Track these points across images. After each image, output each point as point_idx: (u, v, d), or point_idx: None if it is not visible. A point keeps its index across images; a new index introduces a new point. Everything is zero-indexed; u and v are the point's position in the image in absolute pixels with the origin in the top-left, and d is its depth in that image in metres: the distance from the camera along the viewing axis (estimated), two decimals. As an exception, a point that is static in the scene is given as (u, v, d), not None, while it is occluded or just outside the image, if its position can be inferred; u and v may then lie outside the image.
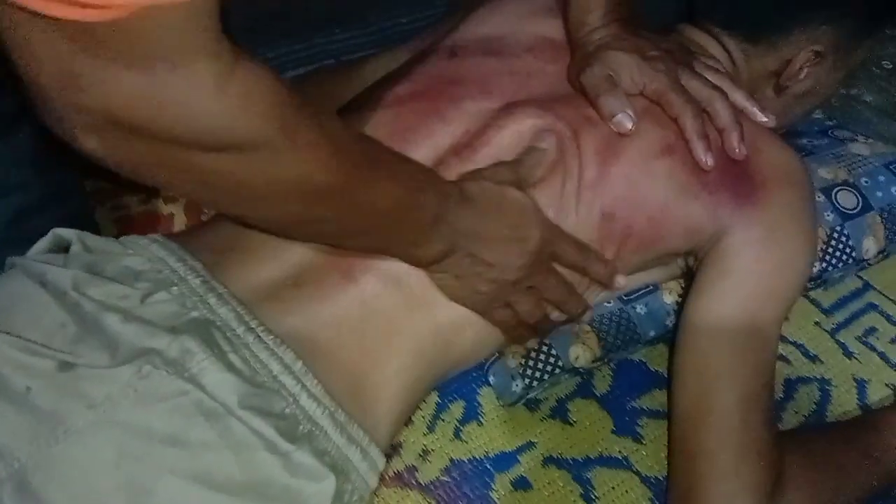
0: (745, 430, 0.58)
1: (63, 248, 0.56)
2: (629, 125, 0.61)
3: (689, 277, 0.67)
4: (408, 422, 0.66)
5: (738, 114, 0.65)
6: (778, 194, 0.63)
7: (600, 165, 0.61)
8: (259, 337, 0.51)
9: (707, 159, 0.61)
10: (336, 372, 0.53)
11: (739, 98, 0.66)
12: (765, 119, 0.66)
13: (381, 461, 0.53)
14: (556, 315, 0.62)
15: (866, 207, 0.76)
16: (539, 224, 0.58)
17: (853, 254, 0.76)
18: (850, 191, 0.77)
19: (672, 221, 0.62)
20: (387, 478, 0.63)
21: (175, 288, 0.52)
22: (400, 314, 0.57)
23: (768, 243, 0.62)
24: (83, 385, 0.47)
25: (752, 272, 0.62)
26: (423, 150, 0.60)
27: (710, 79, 0.66)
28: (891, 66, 1.09)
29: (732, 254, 0.62)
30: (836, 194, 0.76)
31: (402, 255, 0.55)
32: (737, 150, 0.63)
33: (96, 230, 0.64)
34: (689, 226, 0.63)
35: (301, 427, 0.49)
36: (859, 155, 0.81)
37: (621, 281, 0.62)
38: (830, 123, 0.87)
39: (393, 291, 0.57)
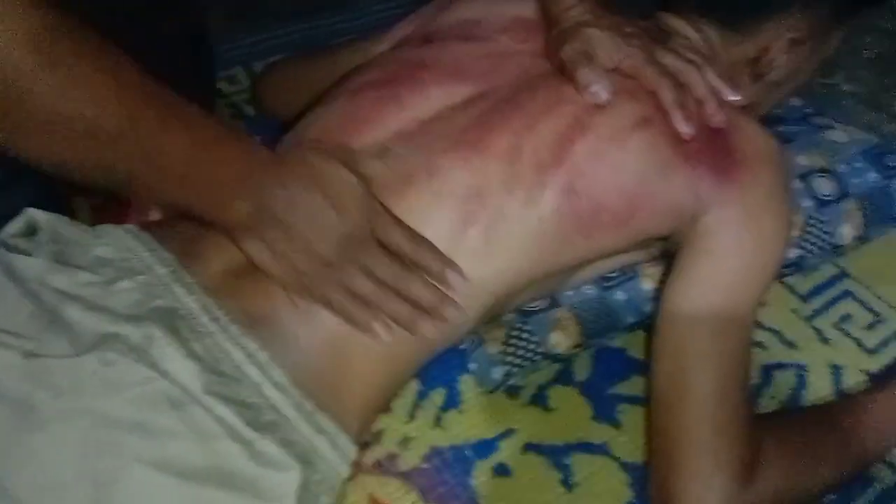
0: (721, 409, 0.59)
1: (35, 230, 0.55)
2: (604, 95, 0.60)
3: (669, 263, 0.68)
4: (388, 410, 0.66)
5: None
6: (757, 173, 0.62)
7: (559, 144, 0.60)
8: (223, 326, 0.51)
9: (686, 128, 0.61)
10: (303, 362, 0.53)
11: (710, 76, 0.65)
12: (735, 97, 0.65)
13: (351, 451, 0.53)
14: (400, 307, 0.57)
15: (843, 194, 0.77)
16: (361, 203, 0.55)
17: (830, 240, 0.77)
18: (828, 178, 0.78)
19: (650, 197, 0.61)
20: (367, 466, 0.63)
21: (141, 276, 0.52)
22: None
23: (747, 224, 0.62)
24: (49, 375, 0.47)
25: (730, 253, 0.62)
26: (370, 135, 0.60)
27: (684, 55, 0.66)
28: (870, 56, 1.11)
29: (710, 234, 0.62)
30: (813, 181, 0.77)
31: (207, 213, 0.53)
32: (715, 118, 0.62)
33: (71, 217, 0.64)
34: (668, 202, 0.62)
35: (265, 416, 0.49)
36: (837, 142, 0.81)
37: (455, 278, 0.57)
38: (809, 111, 0.87)
39: None
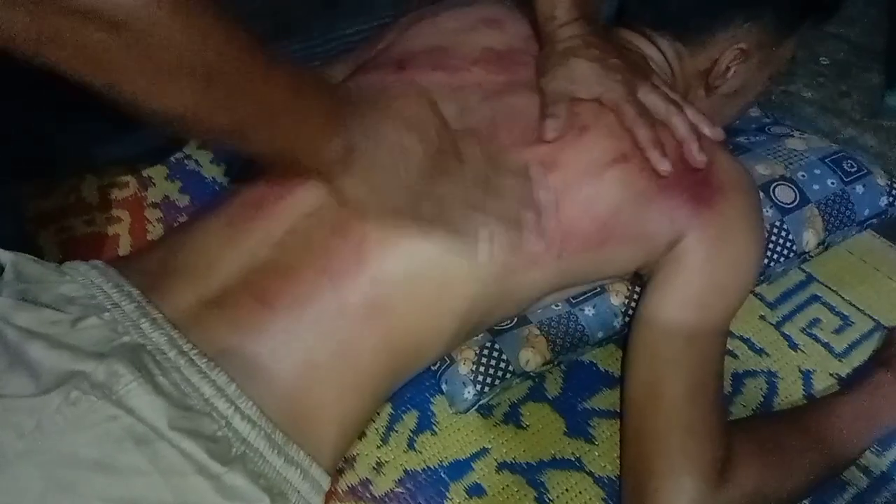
0: (693, 413, 0.60)
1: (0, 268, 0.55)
2: (551, 135, 0.62)
3: (640, 282, 0.68)
4: (361, 435, 0.66)
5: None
6: (732, 199, 0.64)
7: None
8: (191, 360, 0.50)
9: (663, 165, 0.62)
10: (273, 394, 0.52)
11: (691, 114, 0.67)
12: (716, 134, 0.67)
13: (325, 481, 0.53)
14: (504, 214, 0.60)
15: (804, 201, 0.78)
16: (437, 128, 0.58)
17: (794, 247, 0.78)
18: (788, 185, 0.79)
19: (624, 225, 0.63)
20: (340, 492, 0.63)
21: (107, 314, 0.51)
22: (318, 334, 0.55)
23: (720, 242, 0.63)
24: (11, 414, 0.46)
25: (704, 269, 0.63)
26: None
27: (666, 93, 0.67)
28: (828, 62, 1.13)
29: (687, 252, 0.63)
30: (774, 189, 0.78)
31: (303, 156, 0.54)
32: (697, 159, 0.64)
33: (39, 253, 0.63)
34: (643, 231, 0.63)
35: (234, 449, 0.49)
36: (795, 150, 0.82)
37: (539, 176, 0.61)
38: (767, 120, 0.88)
39: (305, 309, 0.55)
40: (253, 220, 0.58)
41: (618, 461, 0.66)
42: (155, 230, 0.82)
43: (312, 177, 0.57)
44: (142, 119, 0.46)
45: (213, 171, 0.88)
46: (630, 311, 0.71)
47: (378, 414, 0.68)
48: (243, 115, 0.48)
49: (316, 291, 0.55)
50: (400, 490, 0.64)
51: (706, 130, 0.66)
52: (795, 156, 0.81)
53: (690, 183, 0.64)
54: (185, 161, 0.89)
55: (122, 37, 0.41)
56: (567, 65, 0.65)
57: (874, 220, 0.82)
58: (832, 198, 0.79)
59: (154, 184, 0.86)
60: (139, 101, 0.44)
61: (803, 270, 0.83)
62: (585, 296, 0.72)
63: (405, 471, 0.65)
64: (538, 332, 0.70)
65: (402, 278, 0.57)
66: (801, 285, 0.82)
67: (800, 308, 0.80)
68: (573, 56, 0.66)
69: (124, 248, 0.79)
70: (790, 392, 0.73)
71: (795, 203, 0.78)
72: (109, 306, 0.52)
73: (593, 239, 0.63)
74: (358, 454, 0.65)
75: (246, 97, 0.47)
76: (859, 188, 0.80)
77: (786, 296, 0.81)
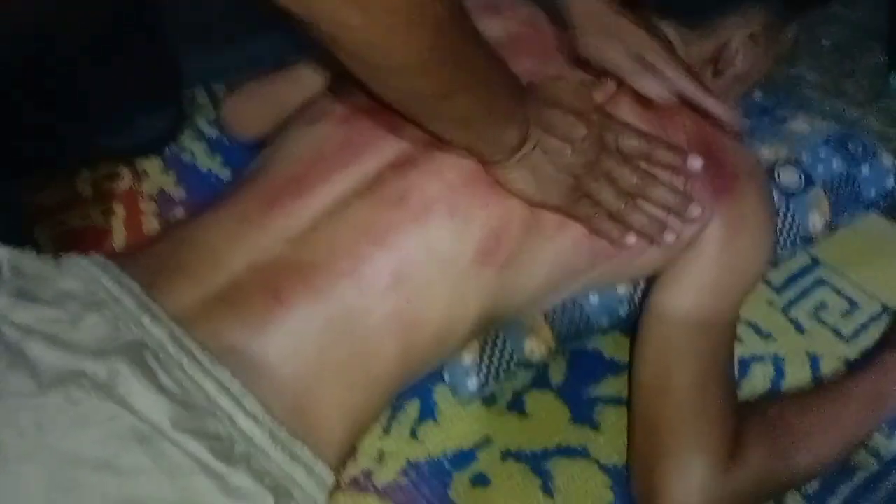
0: (704, 397, 0.60)
1: None
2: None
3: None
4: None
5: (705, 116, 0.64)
6: (748, 185, 0.64)
7: None
8: (194, 356, 0.49)
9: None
10: (278, 392, 0.51)
11: (710, 104, 0.64)
12: (733, 121, 0.64)
13: (329, 478, 0.52)
14: (655, 204, 0.60)
15: (809, 183, 0.77)
16: (597, 107, 0.58)
17: (800, 231, 0.77)
18: (793, 168, 0.78)
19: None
20: (343, 484, 0.62)
21: (108, 310, 0.50)
22: (333, 334, 0.54)
23: (738, 229, 0.63)
24: (12, 414, 0.45)
25: (721, 256, 0.63)
26: (366, 164, 0.59)
27: (673, 80, 0.63)
28: (830, 44, 1.11)
29: (704, 241, 0.63)
30: (778, 172, 0.77)
31: (482, 144, 0.55)
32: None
33: (35, 246, 0.63)
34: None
35: (238, 448, 0.48)
36: (799, 132, 0.81)
37: (695, 163, 0.59)
38: (770, 103, 0.87)
39: (322, 309, 0.54)
40: (266, 216, 0.57)
41: (624, 449, 0.65)
42: (150, 223, 0.80)
43: (482, 163, 0.57)
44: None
45: (208, 164, 0.87)
46: (635, 299, 0.70)
47: (381, 406, 0.67)
48: (455, 75, 0.48)
49: (336, 294, 0.54)
50: (403, 481, 0.63)
51: (724, 117, 0.64)
52: (800, 137, 0.80)
53: (709, 175, 0.63)
54: (181, 153, 0.88)
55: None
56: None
57: (880, 201, 0.81)
58: (838, 179, 0.78)
59: (149, 176, 0.85)
60: (369, 49, 0.44)
61: (809, 254, 0.82)
62: (590, 283, 0.71)
63: (408, 461, 0.64)
64: (543, 320, 0.69)
65: (437, 281, 0.56)
66: (808, 269, 0.81)
67: (806, 292, 0.79)
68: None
69: (119, 241, 0.79)
70: (798, 376, 0.72)
71: (801, 185, 0.77)
72: (110, 302, 0.51)
73: (623, 261, 0.63)
74: (359, 445, 0.64)
75: (461, 57, 0.48)
76: (865, 169, 0.79)
77: (792, 280, 0.80)
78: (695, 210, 0.60)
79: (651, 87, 0.62)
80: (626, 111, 0.62)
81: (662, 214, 0.59)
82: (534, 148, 0.56)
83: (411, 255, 0.56)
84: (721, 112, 0.64)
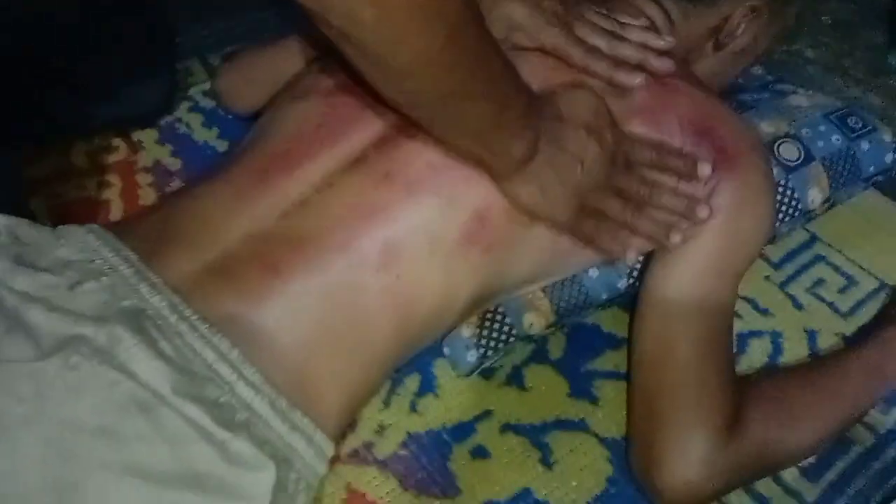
0: (703, 369, 0.60)
1: None
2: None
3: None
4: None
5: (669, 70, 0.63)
6: (750, 160, 0.64)
7: None
8: (192, 325, 0.49)
9: (631, 80, 0.60)
10: (277, 361, 0.51)
11: (635, 34, 0.64)
12: (663, 42, 0.64)
13: (329, 448, 0.52)
14: (659, 214, 0.60)
15: (808, 158, 0.77)
16: (611, 123, 0.58)
17: (799, 206, 0.76)
18: (792, 142, 0.77)
19: None
20: (343, 455, 0.62)
21: (105, 278, 0.50)
22: (329, 307, 0.54)
23: (742, 204, 0.63)
24: (11, 380, 0.45)
25: (725, 231, 0.63)
26: (350, 141, 0.58)
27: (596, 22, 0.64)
28: (830, 21, 1.11)
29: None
30: (778, 147, 0.77)
31: (488, 155, 0.54)
32: (659, 67, 0.62)
33: (31, 218, 0.62)
34: None
35: (238, 415, 0.48)
36: (799, 107, 0.81)
37: (706, 169, 0.60)
38: (771, 78, 0.87)
39: (317, 282, 0.54)
40: (257, 188, 0.56)
41: (622, 422, 0.65)
42: (146, 194, 0.80)
43: (489, 173, 0.56)
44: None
45: (204, 135, 0.86)
46: (634, 274, 0.70)
47: (380, 379, 0.67)
48: (466, 78, 0.47)
49: (329, 267, 0.54)
50: (403, 453, 0.63)
51: (653, 40, 0.64)
52: (800, 112, 0.80)
53: (710, 151, 0.62)
54: (176, 125, 0.87)
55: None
56: (502, 7, 0.62)
57: (880, 177, 0.81)
58: (837, 154, 0.78)
59: (144, 148, 0.84)
60: (380, 47, 0.43)
61: (807, 230, 0.82)
62: (589, 257, 0.71)
63: (408, 433, 0.64)
64: (542, 294, 0.69)
65: (426, 259, 0.56)
66: (806, 245, 0.82)
67: (804, 268, 0.80)
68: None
69: (116, 212, 0.78)
70: (795, 352, 0.73)
71: (800, 160, 0.76)
72: (107, 270, 0.51)
73: None
74: (359, 418, 0.64)
75: (473, 60, 0.46)
76: (865, 144, 0.79)
77: (790, 256, 0.80)
78: (703, 211, 0.60)
79: (624, 78, 0.61)
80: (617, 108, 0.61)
81: (670, 218, 0.60)
82: (543, 162, 0.55)
83: (399, 231, 0.56)
84: (624, 78, 0.62)
